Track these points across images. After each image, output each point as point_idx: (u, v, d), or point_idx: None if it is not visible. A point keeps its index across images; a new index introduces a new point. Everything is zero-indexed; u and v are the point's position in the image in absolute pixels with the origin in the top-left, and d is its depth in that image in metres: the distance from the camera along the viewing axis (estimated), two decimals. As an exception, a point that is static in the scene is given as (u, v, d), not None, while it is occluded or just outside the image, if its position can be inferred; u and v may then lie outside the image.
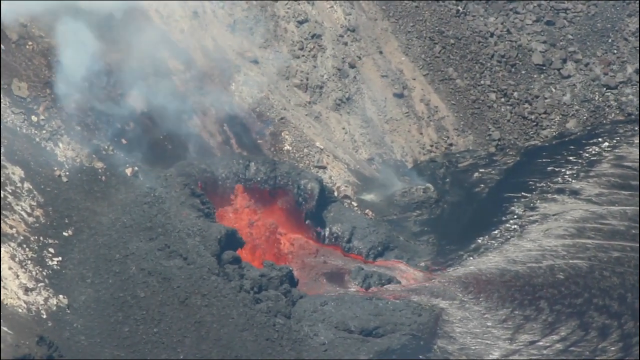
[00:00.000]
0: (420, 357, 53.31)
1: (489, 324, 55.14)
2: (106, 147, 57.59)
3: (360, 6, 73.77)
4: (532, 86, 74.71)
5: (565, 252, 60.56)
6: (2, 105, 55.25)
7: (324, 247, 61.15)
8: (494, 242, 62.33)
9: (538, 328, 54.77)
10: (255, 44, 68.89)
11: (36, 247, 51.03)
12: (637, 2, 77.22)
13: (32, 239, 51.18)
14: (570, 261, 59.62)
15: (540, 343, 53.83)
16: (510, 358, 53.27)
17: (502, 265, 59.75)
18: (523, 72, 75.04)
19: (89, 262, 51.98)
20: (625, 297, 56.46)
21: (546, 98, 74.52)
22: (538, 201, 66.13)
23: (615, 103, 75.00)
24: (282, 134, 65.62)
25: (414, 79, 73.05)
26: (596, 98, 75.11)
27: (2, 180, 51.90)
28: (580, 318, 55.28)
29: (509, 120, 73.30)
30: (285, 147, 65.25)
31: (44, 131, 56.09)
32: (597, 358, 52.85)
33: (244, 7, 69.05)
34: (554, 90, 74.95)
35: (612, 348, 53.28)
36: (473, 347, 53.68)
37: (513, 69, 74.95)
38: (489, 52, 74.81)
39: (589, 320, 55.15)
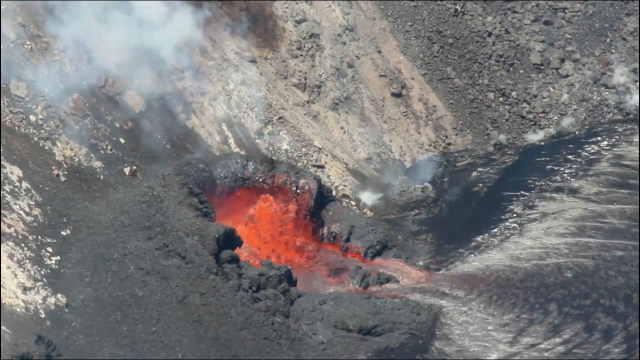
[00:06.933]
0: (418, 357, 53.24)
1: (490, 327, 55.03)
2: (104, 146, 57.56)
3: (359, 6, 73.77)
4: (530, 85, 74.74)
5: (568, 250, 60.52)
6: (0, 104, 55.23)
7: (323, 246, 61.14)
8: (494, 239, 62.30)
9: (542, 331, 54.61)
10: (253, 43, 68.87)
11: (34, 246, 50.97)
12: (636, 1, 77.24)
13: (30, 238, 51.13)
14: (575, 259, 59.55)
15: (542, 345, 53.70)
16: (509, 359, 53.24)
17: (508, 262, 59.69)
18: (521, 71, 75.06)
19: (88, 261, 51.92)
20: (631, 298, 56.35)
21: (544, 97, 74.55)
22: (537, 200, 66.10)
23: (614, 102, 75.05)
24: (281, 133, 65.60)
25: (412, 79, 73.05)
26: (594, 97, 75.15)
27: (0, 180, 51.86)
28: (587, 320, 55.13)
29: (507, 120, 73.31)
30: (284, 147, 65.23)
31: (42, 130, 56.06)
32: (599, 359, 52.78)
33: (242, 6, 69.04)
34: (552, 89, 74.97)
35: (616, 350, 53.15)
36: (471, 350, 53.60)
37: (511, 69, 74.97)
38: (487, 52, 74.82)
39: (594, 322, 55.01)
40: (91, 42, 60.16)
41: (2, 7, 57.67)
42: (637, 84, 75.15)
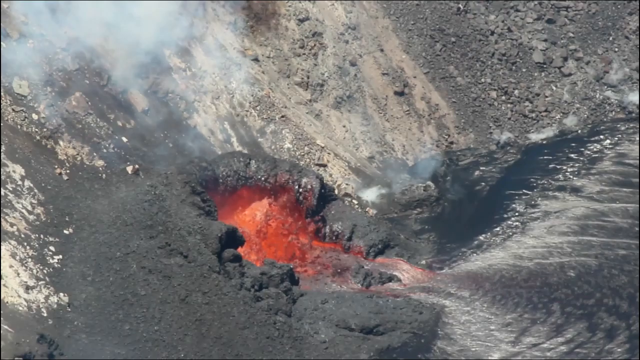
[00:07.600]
0: (419, 356, 53.24)
1: (492, 327, 55.01)
2: (107, 145, 57.53)
3: (361, 4, 73.72)
4: (532, 84, 74.66)
5: (571, 249, 60.50)
6: (2, 103, 55.19)
7: (325, 245, 61.10)
8: (496, 238, 62.30)
9: (544, 331, 54.57)
10: (256, 41, 68.83)
11: (37, 245, 50.92)
12: (638, 0, 77.17)
13: (32, 237, 51.09)
14: (578, 258, 59.51)
15: (545, 345, 53.68)
16: (511, 359, 53.18)
17: (511, 261, 59.66)
18: (524, 70, 74.99)
19: (90, 260, 51.87)
20: (634, 297, 56.32)
21: (547, 96, 74.48)
22: (539, 198, 66.09)
23: (616, 101, 74.98)
24: (283, 131, 65.57)
25: (415, 77, 73.00)
26: (597, 96, 75.08)
27: (2, 179, 51.82)
28: (589, 319, 55.10)
29: (509, 119, 73.26)
30: (286, 145, 65.18)
31: (45, 129, 56.01)
32: (602, 359, 52.72)
33: (245, 5, 69.02)
34: (554, 88, 74.90)
35: (619, 349, 53.12)
36: (473, 349, 53.60)
37: (514, 67, 74.91)
38: (489, 50, 74.76)
39: (597, 321, 54.97)
40: (93, 41, 60.10)
41: (3, 6, 57.63)
42: (639, 82, 75.11)
